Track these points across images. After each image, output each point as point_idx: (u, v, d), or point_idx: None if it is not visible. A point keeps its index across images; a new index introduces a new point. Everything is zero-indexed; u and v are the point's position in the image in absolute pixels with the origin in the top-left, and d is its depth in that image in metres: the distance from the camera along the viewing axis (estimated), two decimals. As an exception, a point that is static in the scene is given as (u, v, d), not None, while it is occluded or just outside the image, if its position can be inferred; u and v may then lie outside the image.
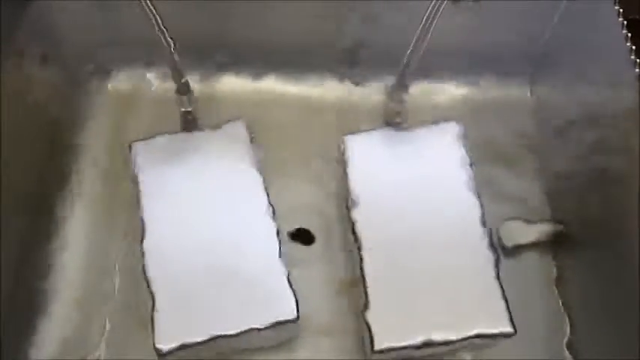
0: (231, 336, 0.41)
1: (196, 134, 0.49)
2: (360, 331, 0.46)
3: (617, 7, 0.43)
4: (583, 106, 0.49)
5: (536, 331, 0.48)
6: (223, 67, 0.57)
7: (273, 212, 0.46)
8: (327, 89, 0.57)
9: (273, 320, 0.42)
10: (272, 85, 0.57)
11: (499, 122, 0.56)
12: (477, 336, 0.42)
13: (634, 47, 0.41)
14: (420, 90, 0.55)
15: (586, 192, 0.47)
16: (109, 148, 0.54)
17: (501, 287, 0.43)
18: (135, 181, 0.47)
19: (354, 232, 0.45)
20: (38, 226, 0.50)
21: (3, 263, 0.44)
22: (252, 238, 0.44)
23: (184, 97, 0.50)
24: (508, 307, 0.42)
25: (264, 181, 0.47)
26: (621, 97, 0.42)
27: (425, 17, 0.42)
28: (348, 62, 0.56)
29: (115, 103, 0.57)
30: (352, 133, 0.49)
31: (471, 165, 0.47)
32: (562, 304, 0.49)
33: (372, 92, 0.57)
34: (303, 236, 0.51)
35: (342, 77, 0.57)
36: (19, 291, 0.47)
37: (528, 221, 0.51)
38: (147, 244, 0.44)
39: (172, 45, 0.45)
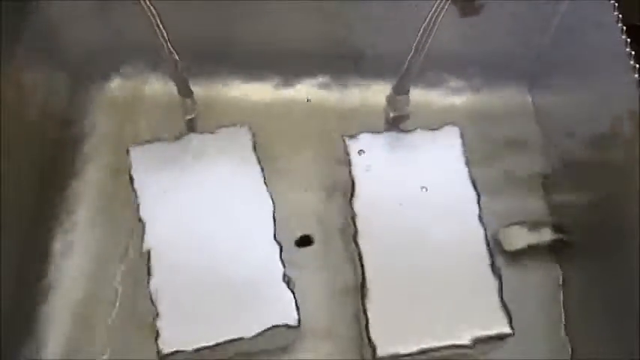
0: (231, 341, 0.41)
1: (197, 139, 0.49)
2: (359, 335, 0.46)
3: (616, 13, 0.43)
4: (582, 111, 0.49)
5: (537, 335, 0.48)
6: (225, 72, 0.57)
7: (275, 217, 0.46)
8: (329, 93, 0.57)
9: (273, 325, 0.42)
10: (274, 89, 0.57)
11: (499, 127, 0.56)
12: (476, 342, 0.42)
13: (633, 53, 0.41)
14: (420, 94, 0.55)
15: (586, 196, 0.47)
16: (110, 151, 0.54)
17: (501, 293, 0.43)
18: (134, 186, 0.47)
19: (354, 237, 0.45)
20: (39, 228, 0.50)
21: (4, 265, 0.44)
22: (253, 242, 0.44)
23: (186, 102, 0.50)
24: (507, 313, 0.42)
25: (266, 185, 0.47)
26: (621, 103, 0.42)
27: (426, 21, 0.42)
28: (350, 66, 0.56)
29: (117, 107, 0.57)
30: (354, 136, 0.49)
31: (471, 169, 0.47)
32: (563, 307, 0.49)
33: (374, 96, 0.57)
34: (303, 240, 0.51)
35: (344, 81, 0.57)
36: (20, 293, 0.47)
37: (528, 225, 0.51)
38: (147, 248, 0.44)
39: (174, 51, 0.45)
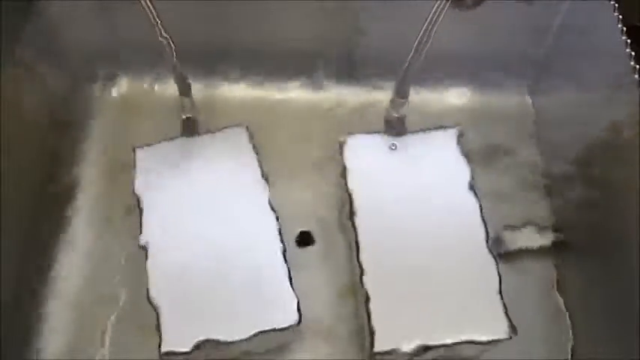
0: (233, 342, 0.41)
1: (198, 139, 0.49)
2: (359, 335, 0.46)
3: (617, 14, 0.43)
4: (582, 112, 0.49)
5: (537, 335, 0.48)
6: (225, 73, 0.57)
7: (276, 217, 0.46)
8: (328, 94, 0.58)
9: (274, 325, 0.42)
10: (273, 89, 0.58)
11: (499, 128, 0.56)
12: (476, 341, 0.42)
13: (634, 53, 0.41)
14: (420, 95, 0.56)
15: (586, 197, 0.48)
16: (111, 152, 0.54)
17: (501, 292, 0.43)
18: (137, 187, 0.47)
19: (354, 236, 0.45)
20: (41, 228, 0.50)
21: (4, 266, 0.44)
22: (255, 242, 0.44)
23: (186, 102, 0.50)
24: (507, 313, 0.42)
25: (266, 185, 0.47)
26: (621, 104, 0.42)
27: (426, 22, 0.42)
28: (349, 67, 0.57)
29: (118, 108, 0.57)
30: (353, 137, 0.49)
31: (471, 170, 0.47)
32: (562, 308, 0.49)
33: (374, 96, 0.57)
34: (304, 240, 0.51)
35: (343, 82, 0.57)
36: (21, 293, 0.47)
37: (529, 226, 0.51)
38: (148, 248, 0.44)
39: (175, 52, 0.45)
